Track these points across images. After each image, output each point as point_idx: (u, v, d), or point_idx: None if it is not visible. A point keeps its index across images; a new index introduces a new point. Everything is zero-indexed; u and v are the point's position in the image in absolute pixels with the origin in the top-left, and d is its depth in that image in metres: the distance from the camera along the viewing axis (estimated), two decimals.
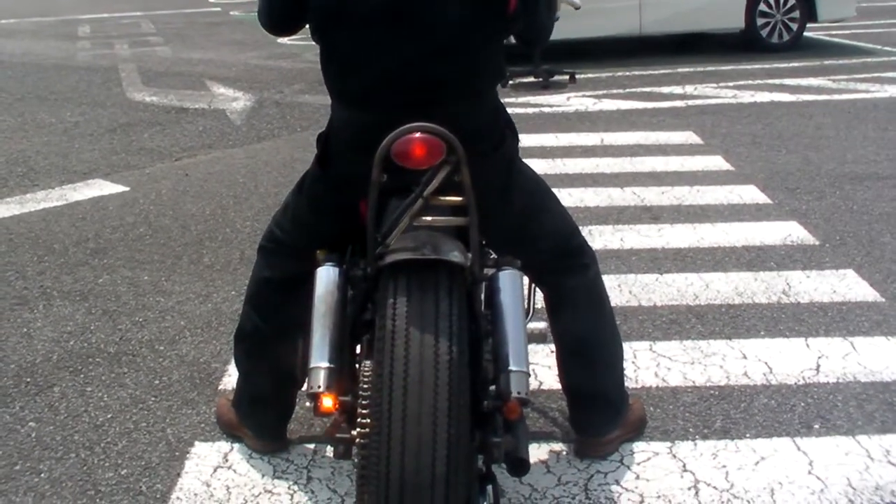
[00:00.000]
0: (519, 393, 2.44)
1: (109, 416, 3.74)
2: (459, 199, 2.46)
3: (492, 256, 2.83)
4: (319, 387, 2.48)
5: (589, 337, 3.27)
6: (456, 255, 2.44)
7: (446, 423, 2.22)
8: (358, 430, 2.36)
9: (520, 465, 2.50)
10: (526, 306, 3.36)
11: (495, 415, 2.47)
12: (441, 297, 2.36)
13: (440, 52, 2.67)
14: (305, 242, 2.96)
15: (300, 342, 3.04)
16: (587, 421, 3.36)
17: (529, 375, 2.53)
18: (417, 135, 2.38)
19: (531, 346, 4.05)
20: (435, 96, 2.69)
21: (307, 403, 3.31)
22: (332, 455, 3.15)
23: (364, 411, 2.34)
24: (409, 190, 2.47)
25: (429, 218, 2.48)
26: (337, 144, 2.84)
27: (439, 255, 2.41)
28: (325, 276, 2.68)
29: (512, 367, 2.48)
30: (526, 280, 3.39)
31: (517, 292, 2.65)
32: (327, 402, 2.46)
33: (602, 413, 3.35)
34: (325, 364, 2.51)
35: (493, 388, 2.53)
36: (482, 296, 2.74)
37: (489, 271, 2.72)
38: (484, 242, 2.92)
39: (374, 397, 2.29)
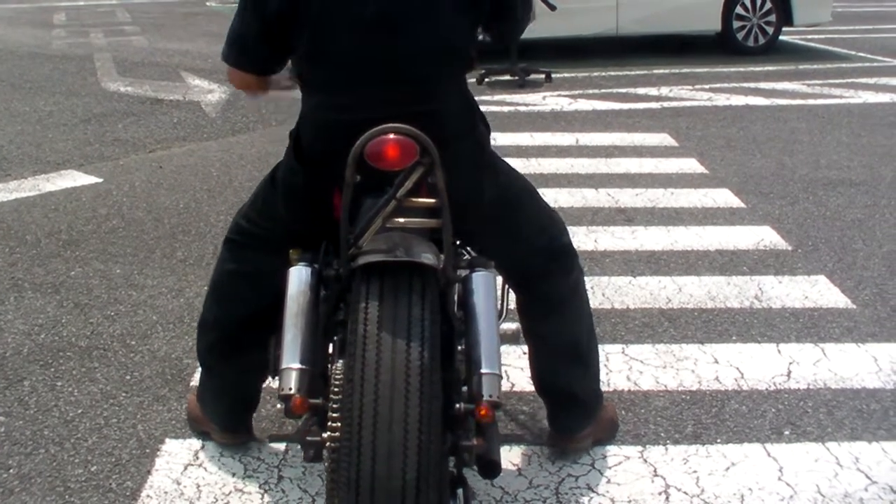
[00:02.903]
0: (491, 396, 2.44)
1: (80, 411, 3.72)
2: (432, 200, 2.46)
3: (465, 258, 2.83)
4: (291, 388, 2.46)
5: (573, 339, 3.27)
6: (428, 257, 2.44)
7: (417, 430, 2.22)
8: (328, 433, 2.35)
9: (491, 468, 2.50)
10: (499, 308, 3.36)
11: (467, 417, 2.46)
12: (413, 301, 2.36)
13: (409, 42, 2.65)
14: (276, 236, 2.94)
15: (267, 335, 3.02)
16: (564, 420, 3.38)
17: (502, 378, 2.53)
18: (391, 136, 2.37)
19: (503, 348, 4.07)
20: (404, 85, 2.67)
21: (277, 405, 3.31)
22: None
23: (335, 414, 2.33)
24: (383, 189, 2.47)
25: (401, 219, 2.48)
26: (307, 138, 2.82)
27: (412, 257, 2.41)
28: (298, 276, 2.66)
29: (484, 370, 2.48)
30: (499, 281, 3.41)
31: (490, 294, 2.65)
32: (298, 404, 2.45)
33: (578, 413, 3.36)
34: (297, 365, 2.50)
35: (465, 389, 2.53)
36: (455, 297, 2.74)
37: (463, 272, 2.72)
38: (459, 242, 2.92)
39: (344, 402, 2.29)
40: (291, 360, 2.51)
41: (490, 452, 2.48)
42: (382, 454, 2.19)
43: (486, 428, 2.47)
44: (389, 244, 2.44)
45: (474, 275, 2.67)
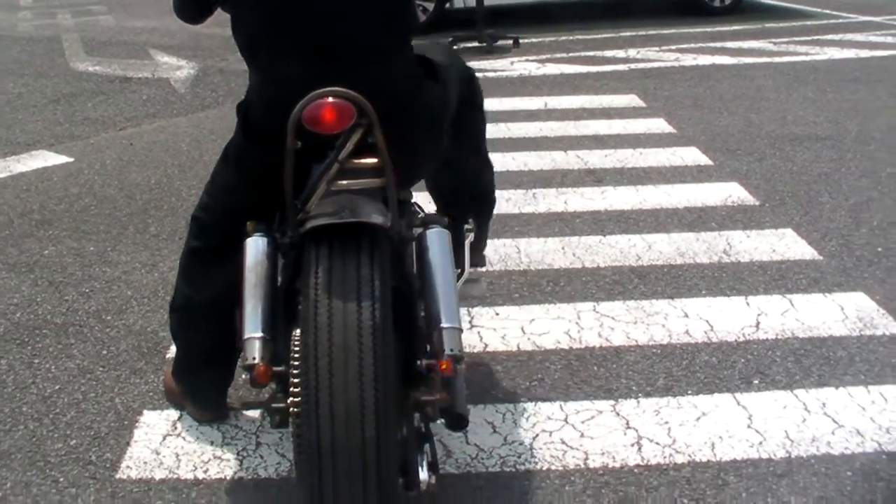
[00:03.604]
0: (452, 350, 2.47)
1: (58, 387, 3.75)
2: (374, 160, 2.48)
3: (419, 216, 2.86)
4: (254, 358, 2.48)
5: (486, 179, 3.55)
6: (376, 217, 2.45)
7: (373, 387, 2.26)
8: (291, 398, 2.39)
9: (458, 421, 2.55)
10: (462, 266, 3.41)
11: (430, 373, 2.50)
12: (363, 262, 2.38)
13: (346, 8, 2.67)
14: (234, 211, 2.94)
15: (235, 312, 3.05)
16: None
17: (462, 331, 2.56)
18: (329, 100, 2.39)
19: (476, 309, 4.13)
20: (343, 54, 2.69)
21: (243, 375, 3.35)
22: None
23: (296, 380, 2.36)
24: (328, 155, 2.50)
25: (345, 182, 2.50)
26: (254, 110, 2.84)
27: (358, 217, 2.43)
28: (254, 247, 2.68)
29: (444, 324, 2.51)
30: (467, 240, 3.47)
31: (445, 250, 2.69)
32: (261, 372, 2.46)
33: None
34: (259, 335, 2.52)
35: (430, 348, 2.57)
36: (414, 256, 2.76)
37: (417, 231, 2.76)
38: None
39: (301, 366, 2.32)
40: (253, 330, 2.53)
41: (456, 406, 2.53)
42: (340, 414, 2.24)
43: (450, 382, 2.51)
44: (335, 207, 2.46)
45: (428, 232, 2.71)
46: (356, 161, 2.48)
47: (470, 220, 3.52)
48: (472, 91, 3.35)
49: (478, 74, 3.44)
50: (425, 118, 2.85)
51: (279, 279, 2.68)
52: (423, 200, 3.32)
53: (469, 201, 3.50)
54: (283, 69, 2.71)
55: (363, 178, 2.51)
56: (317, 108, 2.39)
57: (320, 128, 2.40)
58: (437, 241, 2.69)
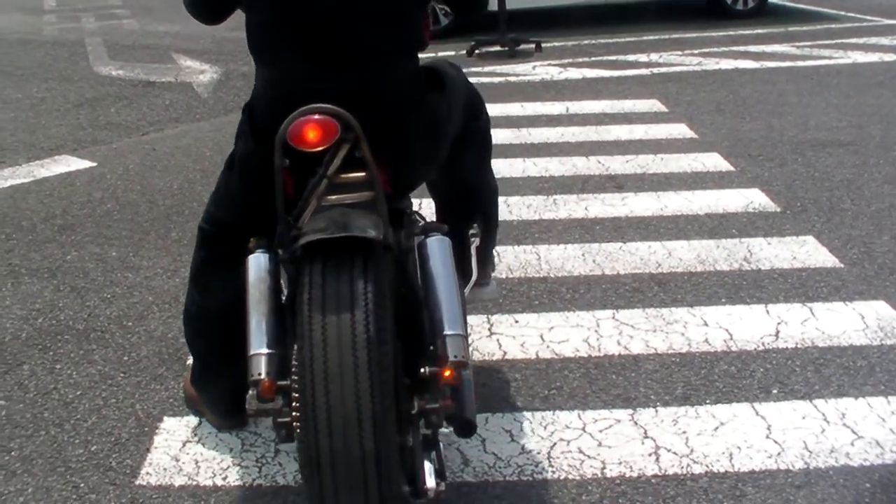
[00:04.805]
0: (456, 356, 2.47)
1: (79, 392, 3.78)
2: (362, 174, 2.49)
3: (420, 224, 2.87)
4: (260, 374, 2.48)
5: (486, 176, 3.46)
6: (368, 230, 2.43)
7: (370, 400, 2.26)
8: (294, 413, 2.39)
9: (465, 427, 2.56)
10: (472, 272, 3.42)
11: (436, 380, 2.49)
12: (356, 275, 2.38)
13: (349, 10, 2.66)
14: (239, 220, 2.96)
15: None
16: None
17: (466, 338, 2.56)
18: (316, 116, 2.40)
19: (495, 317, 4.14)
20: (345, 56, 2.68)
21: (250, 391, 3.36)
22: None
23: (297, 395, 2.37)
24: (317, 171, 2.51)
25: (334, 196, 2.51)
26: (258, 110, 2.84)
27: (349, 231, 2.41)
28: (256, 264, 2.68)
29: (447, 332, 2.52)
30: (473, 246, 3.48)
31: (447, 257, 2.69)
32: (266, 387, 2.46)
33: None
34: (264, 350, 2.51)
35: None
36: (416, 264, 2.76)
37: (418, 239, 2.76)
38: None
39: (299, 382, 2.33)
40: (258, 346, 2.52)
41: (463, 412, 2.54)
42: (338, 428, 2.25)
43: (456, 388, 2.52)
44: (326, 222, 2.45)
45: (428, 240, 2.71)
46: (345, 175, 2.49)
47: (474, 226, 3.52)
48: (477, 110, 3.33)
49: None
50: (427, 124, 2.84)
51: (284, 293, 2.69)
52: (424, 208, 3.32)
53: (471, 214, 3.47)
54: (286, 68, 2.72)
55: (353, 192, 2.52)
56: (300, 125, 2.40)
57: (305, 145, 2.41)
58: (437, 248, 2.69)
